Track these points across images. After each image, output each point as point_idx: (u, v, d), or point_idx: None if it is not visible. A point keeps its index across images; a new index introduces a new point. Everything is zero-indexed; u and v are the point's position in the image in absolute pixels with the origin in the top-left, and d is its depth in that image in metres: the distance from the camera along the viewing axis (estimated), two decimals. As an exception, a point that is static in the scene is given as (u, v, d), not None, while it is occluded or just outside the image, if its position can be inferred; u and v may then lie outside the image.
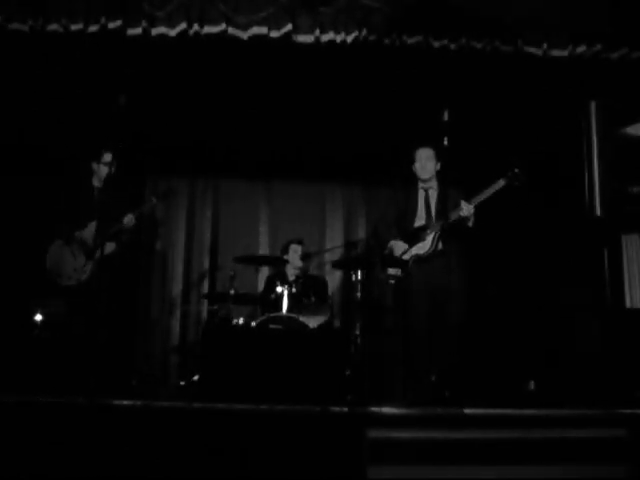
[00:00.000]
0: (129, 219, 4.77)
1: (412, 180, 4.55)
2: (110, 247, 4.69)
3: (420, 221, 4.37)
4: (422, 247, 4.26)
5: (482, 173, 4.30)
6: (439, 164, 4.47)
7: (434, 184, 4.46)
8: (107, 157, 4.75)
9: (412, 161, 4.54)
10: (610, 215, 4.43)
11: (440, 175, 4.44)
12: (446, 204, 4.27)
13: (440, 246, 4.23)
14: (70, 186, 4.86)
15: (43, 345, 4.54)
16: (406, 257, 4.27)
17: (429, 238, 4.24)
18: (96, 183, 4.83)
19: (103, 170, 4.74)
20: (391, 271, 4.30)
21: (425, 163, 4.42)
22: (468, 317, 4.37)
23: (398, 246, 4.32)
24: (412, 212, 4.42)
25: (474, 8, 4.48)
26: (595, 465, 2.67)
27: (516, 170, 4.17)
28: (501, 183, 4.15)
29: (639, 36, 4.56)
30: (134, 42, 4.51)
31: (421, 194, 4.47)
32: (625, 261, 5.02)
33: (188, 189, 6.31)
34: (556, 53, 4.60)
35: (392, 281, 4.32)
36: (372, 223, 5.73)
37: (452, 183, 3.90)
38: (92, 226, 4.68)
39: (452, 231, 4.19)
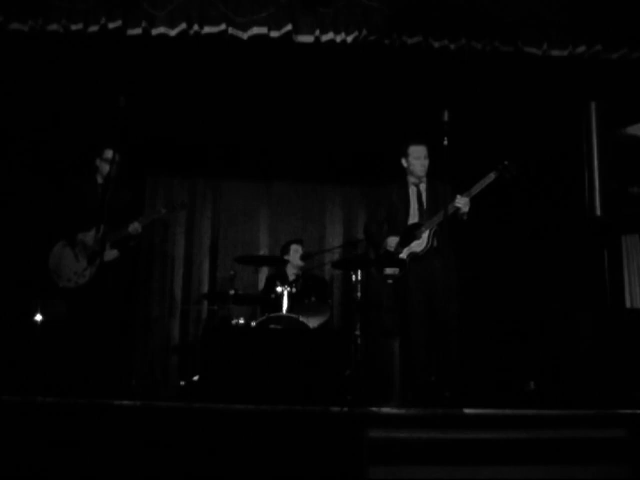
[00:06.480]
0: (135, 227, 4.62)
1: (402, 176, 4.52)
2: (112, 254, 4.59)
3: (413, 218, 4.37)
4: (418, 245, 4.25)
5: (481, 171, 4.30)
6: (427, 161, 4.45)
7: (425, 179, 4.46)
8: (108, 153, 4.68)
9: (402, 156, 4.48)
10: (610, 215, 4.43)
11: (431, 172, 4.43)
12: (438, 200, 4.27)
13: (436, 243, 4.23)
14: (75, 184, 4.82)
15: (43, 345, 4.54)
16: (402, 256, 4.27)
17: (424, 235, 4.24)
18: (100, 180, 4.77)
19: (105, 167, 4.71)
20: (388, 271, 4.29)
21: (423, 160, 4.41)
22: (467, 316, 4.37)
23: (392, 240, 4.32)
24: (403, 208, 4.41)
25: (474, 8, 4.48)
26: (595, 465, 2.67)
27: (506, 162, 4.19)
28: (492, 176, 4.17)
29: (639, 36, 4.56)
30: (134, 42, 4.51)
31: (412, 190, 4.46)
32: (625, 261, 5.02)
33: (188, 189, 6.32)
34: (556, 53, 4.60)
35: (390, 281, 4.32)
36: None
37: (444, 179, 3.87)
38: (95, 230, 4.63)
39: (448, 227, 4.18)
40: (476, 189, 4.18)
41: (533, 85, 5.00)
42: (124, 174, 4.68)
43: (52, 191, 5.09)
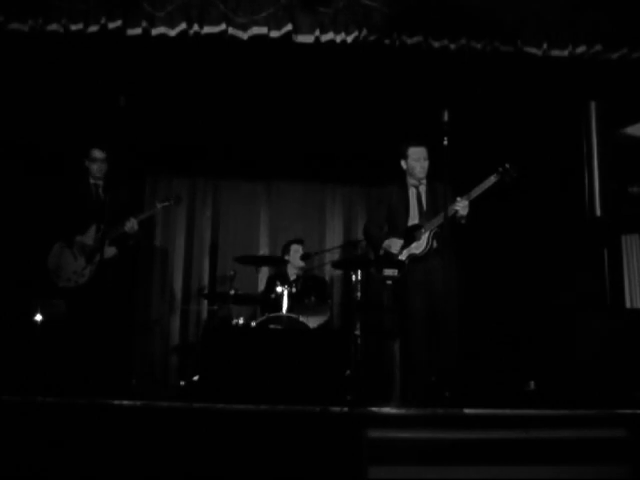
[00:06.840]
0: (131, 224, 4.62)
1: (402, 177, 4.52)
2: (111, 251, 4.59)
3: (413, 219, 4.36)
4: (418, 246, 4.25)
5: (480, 172, 4.30)
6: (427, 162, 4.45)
7: (424, 181, 4.46)
8: (96, 153, 4.72)
9: (401, 157, 4.48)
10: (610, 215, 4.43)
11: (431, 173, 4.43)
12: (438, 201, 4.26)
13: (435, 244, 4.23)
14: (70, 185, 4.83)
15: (43, 345, 4.54)
16: (402, 257, 4.27)
17: (424, 237, 4.24)
18: (92, 180, 4.79)
19: (94, 167, 4.73)
20: (387, 272, 4.29)
21: (423, 162, 4.41)
22: (467, 316, 4.37)
23: (394, 243, 4.31)
24: (403, 210, 4.41)
25: (474, 8, 4.48)
26: (595, 465, 2.67)
27: (507, 165, 4.18)
28: (492, 180, 4.16)
29: (639, 36, 4.56)
30: (134, 42, 4.51)
31: (412, 192, 4.46)
32: (625, 261, 5.02)
33: (188, 189, 6.32)
34: (556, 53, 4.59)
35: (389, 282, 4.32)
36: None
37: (444, 181, 3.87)
38: (92, 229, 4.63)
39: (447, 229, 4.19)
40: (476, 192, 4.16)
41: (533, 85, 4.99)
42: (123, 173, 4.69)
43: (50, 191, 5.10)
